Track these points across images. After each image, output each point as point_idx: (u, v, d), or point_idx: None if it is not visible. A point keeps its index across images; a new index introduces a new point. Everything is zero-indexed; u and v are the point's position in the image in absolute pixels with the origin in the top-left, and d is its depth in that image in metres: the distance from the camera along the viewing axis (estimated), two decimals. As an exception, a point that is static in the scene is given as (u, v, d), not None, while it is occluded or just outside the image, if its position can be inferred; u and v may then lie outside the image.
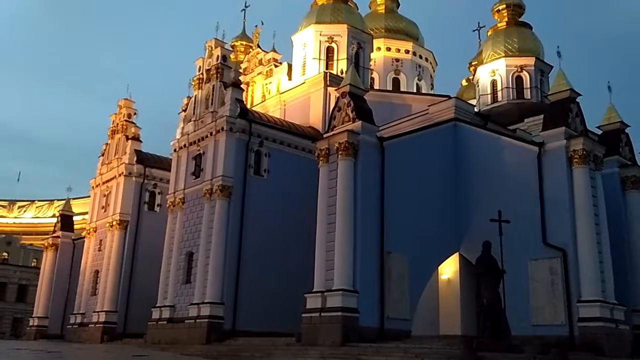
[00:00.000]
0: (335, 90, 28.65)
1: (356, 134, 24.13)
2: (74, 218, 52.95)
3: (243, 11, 49.81)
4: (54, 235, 50.06)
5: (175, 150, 35.13)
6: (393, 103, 35.67)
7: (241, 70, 41.80)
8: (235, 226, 30.23)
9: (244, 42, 49.46)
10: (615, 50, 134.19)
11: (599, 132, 28.44)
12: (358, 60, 40.69)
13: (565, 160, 22.94)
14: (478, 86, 46.56)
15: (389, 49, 48.37)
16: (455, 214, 26.06)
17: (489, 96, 44.87)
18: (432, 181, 26.12)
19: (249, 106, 38.57)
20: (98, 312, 39.25)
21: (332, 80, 36.94)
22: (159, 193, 41.13)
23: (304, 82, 38.68)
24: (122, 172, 41.22)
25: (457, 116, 28.92)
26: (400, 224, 24.22)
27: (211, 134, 32.16)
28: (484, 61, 46.26)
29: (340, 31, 40.49)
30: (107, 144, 45.44)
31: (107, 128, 45.96)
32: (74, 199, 59.79)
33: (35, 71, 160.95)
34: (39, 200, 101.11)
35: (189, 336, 29.35)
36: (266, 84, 41.92)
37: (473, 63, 53.70)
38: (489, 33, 48.29)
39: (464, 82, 56.98)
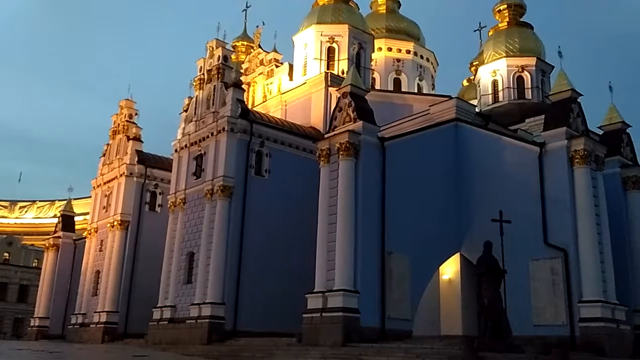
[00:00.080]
0: (337, 90, 28.65)
1: (357, 134, 24.14)
2: (75, 218, 52.99)
3: (244, 11, 49.94)
4: (55, 235, 50.10)
5: (176, 150, 35.15)
6: (394, 103, 35.67)
7: (242, 71, 41.80)
8: (236, 226, 30.23)
9: (245, 43, 49.46)
10: (616, 50, 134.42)
11: (600, 132, 28.41)
12: (359, 60, 40.68)
13: (566, 161, 22.92)
14: (479, 86, 46.55)
15: (390, 49, 48.38)
16: (456, 214, 26.06)
17: (490, 96, 44.86)
18: (433, 181, 26.11)
19: (250, 106, 38.58)
20: (99, 312, 39.27)
21: (333, 80, 36.95)
22: (160, 193, 41.16)
23: (305, 83, 38.70)
24: (123, 173, 41.24)
25: (458, 116, 28.90)
26: (401, 224, 24.22)
27: (212, 134, 32.17)
28: (485, 61, 46.25)
29: (342, 31, 40.50)
30: (108, 144, 45.49)
31: (107, 128, 46.09)
32: (75, 199, 59.83)
33: (35, 71, 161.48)
34: (40, 201, 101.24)
35: (190, 336, 29.35)
36: (267, 84, 41.95)
37: (474, 63, 53.69)
38: (490, 33, 48.27)
39: (465, 83, 56.99)
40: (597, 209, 22.75)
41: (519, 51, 44.93)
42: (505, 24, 47.08)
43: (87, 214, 52.33)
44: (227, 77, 33.27)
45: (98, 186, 44.76)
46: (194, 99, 35.25)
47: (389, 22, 50.21)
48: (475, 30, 56.18)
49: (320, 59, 39.87)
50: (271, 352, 23.49)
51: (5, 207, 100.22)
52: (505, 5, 47.43)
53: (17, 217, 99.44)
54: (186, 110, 35.71)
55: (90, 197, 48.62)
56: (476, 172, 26.07)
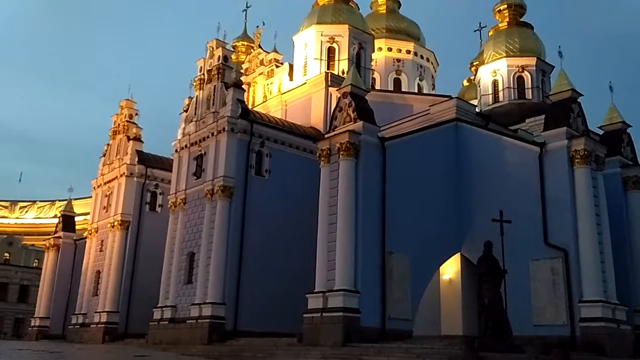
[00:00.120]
0: (337, 90, 28.66)
1: (357, 134, 24.14)
2: (76, 218, 53.02)
3: (244, 11, 49.98)
4: (55, 235, 50.12)
5: (176, 150, 35.15)
6: (394, 103, 35.67)
7: (242, 71, 41.81)
8: (236, 226, 30.24)
9: (245, 43, 49.47)
10: (616, 50, 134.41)
11: (601, 132, 28.40)
12: (359, 60, 40.69)
13: (566, 161, 22.91)
14: (479, 86, 46.55)
15: (390, 49, 48.37)
16: (456, 214, 26.05)
17: (490, 96, 44.86)
18: (434, 181, 26.11)
19: (250, 107, 38.58)
20: (99, 312, 39.29)
21: (333, 80, 36.95)
22: (160, 193, 41.18)
23: (305, 83, 38.71)
24: (124, 173, 41.26)
25: (459, 116, 28.90)
26: (402, 224, 24.22)
27: (212, 134, 32.18)
28: (485, 61, 46.25)
29: (342, 31, 40.51)
30: (108, 144, 45.51)
31: (108, 128, 46.12)
32: (75, 199, 59.84)
33: (36, 71, 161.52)
34: (40, 201, 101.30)
35: (191, 336, 29.36)
36: (267, 85, 41.96)
37: (474, 63, 53.68)
38: (490, 33, 48.27)
39: (465, 83, 56.98)
40: (598, 209, 22.74)
41: (519, 51, 44.92)
42: (506, 24, 47.08)
43: (87, 214, 52.39)
44: (228, 77, 33.28)
45: (98, 186, 44.78)
46: (194, 99, 35.26)
47: (389, 22, 50.20)
48: (475, 30, 56.30)
49: (321, 59, 39.87)
50: (272, 352, 23.50)
51: (5, 207, 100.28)
52: (506, 5, 47.43)
53: (17, 217, 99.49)
54: (186, 111, 35.72)
55: (90, 197, 48.66)
56: (476, 172, 26.06)
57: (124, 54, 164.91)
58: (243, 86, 35.55)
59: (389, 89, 45.60)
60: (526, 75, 44.22)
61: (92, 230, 43.66)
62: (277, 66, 41.73)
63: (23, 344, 40.68)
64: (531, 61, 44.44)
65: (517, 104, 42.63)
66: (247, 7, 49.48)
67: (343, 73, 37.70)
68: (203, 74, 34.89)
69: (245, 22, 50.34)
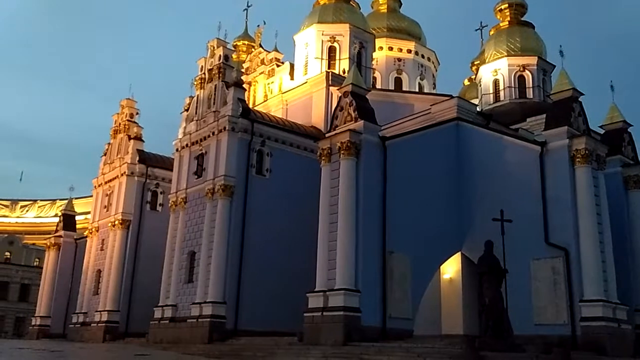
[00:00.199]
0: (338, 89, 28.65)
1: (358, 134, 24.13)
2: (76, 217, 53.13)
3: (245, 11, 50.12)
4: (56, 234, 50.18)
5: (177, 149, 35.15)
6: (395, 102, 35.70)
7: (243, 70, 41.86)
8: (237, 226, 30.24)
9: (246, 42, 49.52)
10: (617, 49, 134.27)
11: (602, 131, 28.37)
12: (360, 59, 40.69)
13: (567, 160, 22.90)
14: (480, 85, 46.54)
15: (391, 49, 48.32)
16: (457, 214, 26.04)
17: (491, 95, 44.87)
18: (435, 181, 26.10)
19: (251, 106, 38.59)
20: (100, 311, 39.33)
21: (334, 79, 36.94)
22: (161, 192, 41.20)
23: (306, 82, 38.69)
24: (125, 172, 41.28)
25: (460, 116, 28.89)
26: (403, 224, 24.21)
27: (213, 133, 32.17)
28: (486, 60, 46.25)
29: (343, 31, 40.49)
30: (109, 143, 45.54)
31: (108, 128, 46.22)
32: (76, 198, 59.85)
33: (36, 71, 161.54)
34: (41, 200, 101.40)
35: (191, 335, 29.37)
36: (268, 84, 41.96)
37: (475, 62, 53.68)
38: (492, 32, 48.28)
39: (466, 82, 56.95)
40: (599, 208, 22.72)
41: (520, 50, 44.92)
42: (507, 23, 47.09)
43: (88, 213, 52.58)
44: (228, 76, 33.28)
45: (99, 185, 44.82)
46: (195, 99, 35.26)
47: (390, 22, 50.17)
48: (476, 30, 56.26)
49: (322, 59, 39.86)
50: (272, 351, 23.50)
51: (6, 206, 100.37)
52: (507, 5, 47.43)
53: (18, 217, 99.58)
54: (187, 110, 35.74)
55: (91, 196, 48.67)
56: (477, 171, 26.05)
57: (124, 54, 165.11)
58: (244, 85, 35.52)
59: (390, 89, 45.56)
60: (527, 75, 44.21)
61: (93, 230, 43.69)
62: (277, 65, 41.74)
63: (24, 343, 40.67)
64: (532, 60, 44.44)
65: (518, 103, 42.63)
66: (248, 6, 49.65)
67: (344, 72, 37.70)
68: (204, 73, 34.89)
69: (246, 22, 50.51)
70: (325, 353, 20.84)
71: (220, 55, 33.85)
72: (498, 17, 48.26)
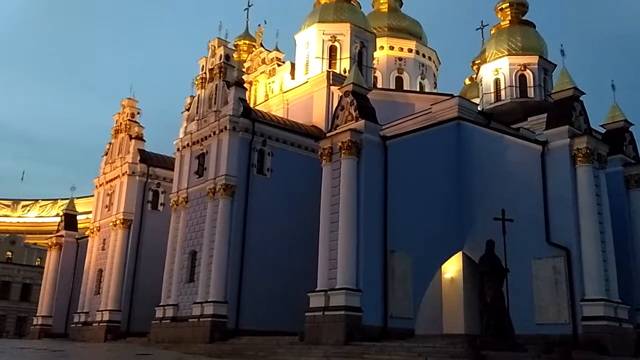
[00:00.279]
0: (339, 89, 28.65)
1: (359, 133, 24.13)
2: (78, 217, 53.14)
3: (246, 10, 50.16)
4: (57, 234, 50.21)
5: (178, 149, 35.16)
6: (396, 102, 35.67)
7: (244, 70, 41.91)
8: (238, 225, 30.25)
9: (247, 41, 49.54)
10: (619, 48, 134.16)
11: (603, 130, 28.36)
12: (361, 59, 40.69)
13: (568, 159, 22.87)
14: (481, 85, 46.52)
15: (392, 48, 48.29)
16: (458, 213, 26.02)
17: (492, 95, 44.86)
18: (436, 180, 26.09)
19: (252, 105, 38.60)
20: (102, 311, 39.37)
21: (335, 79, 36.94)
22: (162, 192, 41.22)
23: (307, 81, 38.70)
24: (126, 172, 41.31)
25: (460, 115, 28.87)
26: (404, 223, 24.20)
27: (214, 133, 32.19)
28: (487, 60, 46.22)
29: (343, 30, 40.50)
30: (110, 143, 45.57)
31: (109, 127, 46.22)
32: (77, 198, 59.94)
33: (36, 71, 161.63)
34: (42, 200, 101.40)
35: (193, 335, 29.39)
36: (269, 83, 41.97)
37: (476, 62, 53.63)
38: (492, 32, 48.27)
39: (467, 81, 56.88)
40: (600, 208, 22.70)
41: (521, 49, 44.89)
42: (508, 22, 47.07)
43: (89, 212, 52.55)
44: (229, 76, 33.29)
45: (100, 185, 44.86)
46: (196, 98, 35.27)
47: (390, 21, 50.13)
48: (477, 29, 56.24)
49: (322, 58, 39.87)
50: (273, 350, 23.52)
51: (8, 206, 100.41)
52: (508, 4, 47.41)
53: (19, 216, 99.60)
54: (188, 109, 35.76)
55: (92, 196, 48.68)
56: (478, 170, 26.04)
57: (124, 54, 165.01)
58: (245, 85, 35.56)
59: (391, 88, 45.53)
60: (528, 74, 44.18)
61: (94, 229, 43.74)
62: (278, 65, 41.76)
63: (25, 342, 40.73)
64: (533, 59, 44.40)
65: (519, 103, 42.61)
66: (249, 5, 49.69)
67: (345, 72, 37.71)
68: (205, 73, 34.90)
69: (247, 21, 50.56)
70: (327, 352, 20.86)
71: (221, 55, 33.86)
72: (499, 16, 48.25)
